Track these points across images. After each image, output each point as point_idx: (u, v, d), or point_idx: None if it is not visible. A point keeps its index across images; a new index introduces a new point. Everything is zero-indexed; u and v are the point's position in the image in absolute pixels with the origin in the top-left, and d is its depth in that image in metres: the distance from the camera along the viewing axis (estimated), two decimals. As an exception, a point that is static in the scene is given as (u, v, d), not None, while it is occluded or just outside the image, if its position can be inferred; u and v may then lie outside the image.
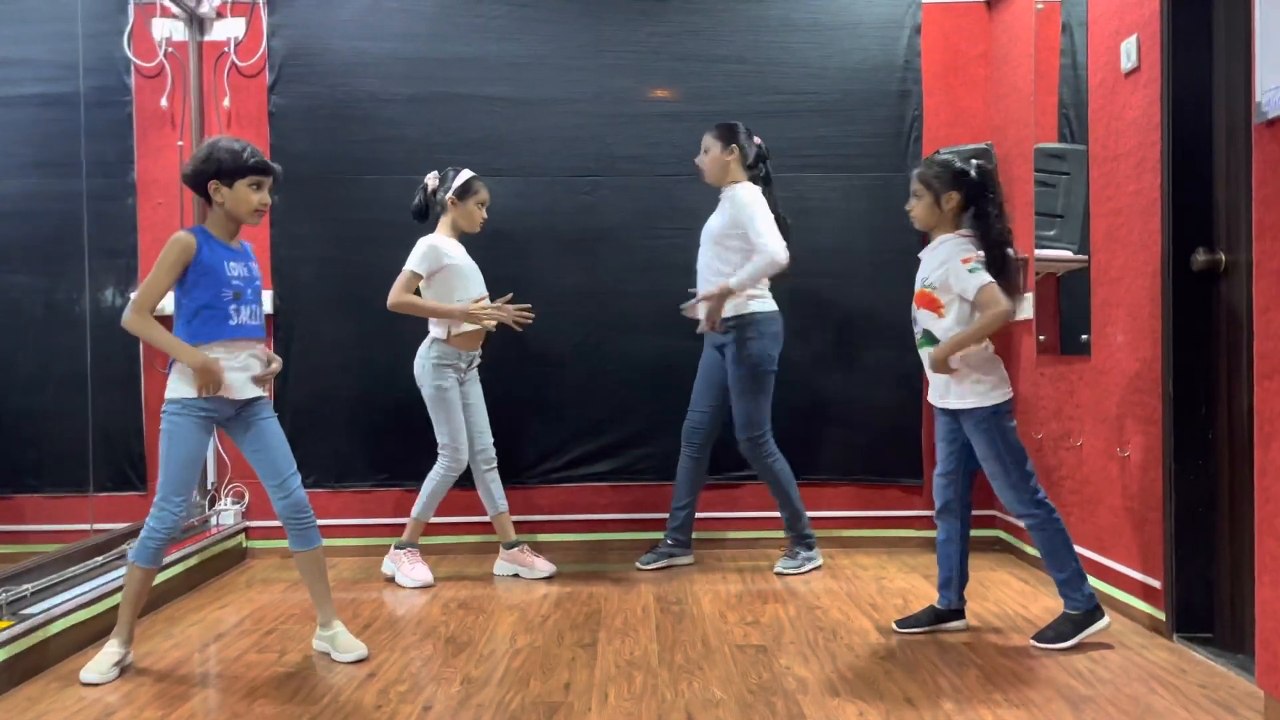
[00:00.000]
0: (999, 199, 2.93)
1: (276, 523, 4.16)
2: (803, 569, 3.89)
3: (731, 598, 3.57)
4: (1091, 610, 2.92)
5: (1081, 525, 3.54)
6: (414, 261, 3.76)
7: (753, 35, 4.37)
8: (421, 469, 3.93)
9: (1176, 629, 2.95)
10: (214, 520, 4.20)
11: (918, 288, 2.99)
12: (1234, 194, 2.81)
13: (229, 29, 4.33)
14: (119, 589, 3.22)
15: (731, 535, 4.37)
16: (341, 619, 3.04)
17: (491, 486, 3.93)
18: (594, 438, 4.38)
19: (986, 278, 2.83)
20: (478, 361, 3.95)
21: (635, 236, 4.36)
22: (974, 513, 3.13)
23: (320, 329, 4.28)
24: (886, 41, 4.38)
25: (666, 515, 4.07)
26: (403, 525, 3.97)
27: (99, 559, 3.35)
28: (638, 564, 4.00)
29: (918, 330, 3.01)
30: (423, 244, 3.79)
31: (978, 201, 2.92)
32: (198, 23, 4.30)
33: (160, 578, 3.50)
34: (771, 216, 3.75)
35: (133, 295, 2.89)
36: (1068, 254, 3.68)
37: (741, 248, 3.75)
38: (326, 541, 3.09)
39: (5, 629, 2.74)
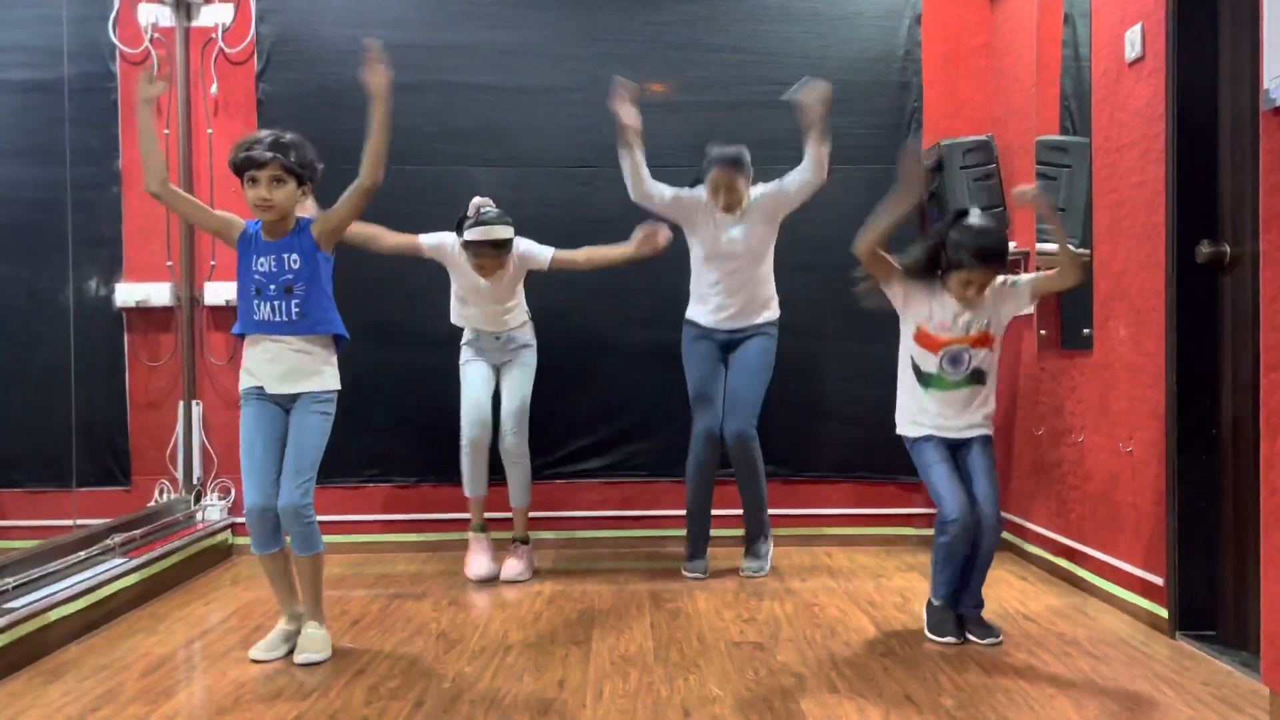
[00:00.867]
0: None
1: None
2: (768, 564, 3.88)
3: (727, 595, 3.56)
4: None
5: (1083, 522, 3.54)
6: (429, 236, 3.81)
7: (751, 24, 4.37)
8: (412, 464, 3.92)
9: (1179, 626, 2.95)
10: (200, 516, 4.17)
11: (965, 333, 2.95)
12: (1240, 184, 2.81)
13: (216, 14, 4.31)
14: (102, 584, 3.23)
15: (725, 533, 4.36)
16: (329, 615, 3.03)
17: (510, 479, 3.92)
18: (588, 433, 4.37)
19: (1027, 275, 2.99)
20: (517, 344, 3.91)
21: (631, 228, 4.32)
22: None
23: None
24: (886, 31, 4.38)
25: (661, 513, 4.06)
26: (393, 521, 3.96)
27: (81, 554, 3.32)
28: (687, 573, 3.87)
29: (960, 372, 2.98)
30: (447, 235, 3.81)
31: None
32: (185, 8, 4.28)
33: (144, 573, 3.50)
34: None
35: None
36: (1070, 247, 3.67)
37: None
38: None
39: (-14, 624, 2.72)
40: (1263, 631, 2.35)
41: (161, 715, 2.46)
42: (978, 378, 2.99)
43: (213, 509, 4.21)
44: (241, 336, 2.94)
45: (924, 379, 3.02)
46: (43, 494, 4.11)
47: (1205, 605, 2.93)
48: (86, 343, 4.08)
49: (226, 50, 4.32)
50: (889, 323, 3.11)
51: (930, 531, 4.23)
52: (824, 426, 4.38)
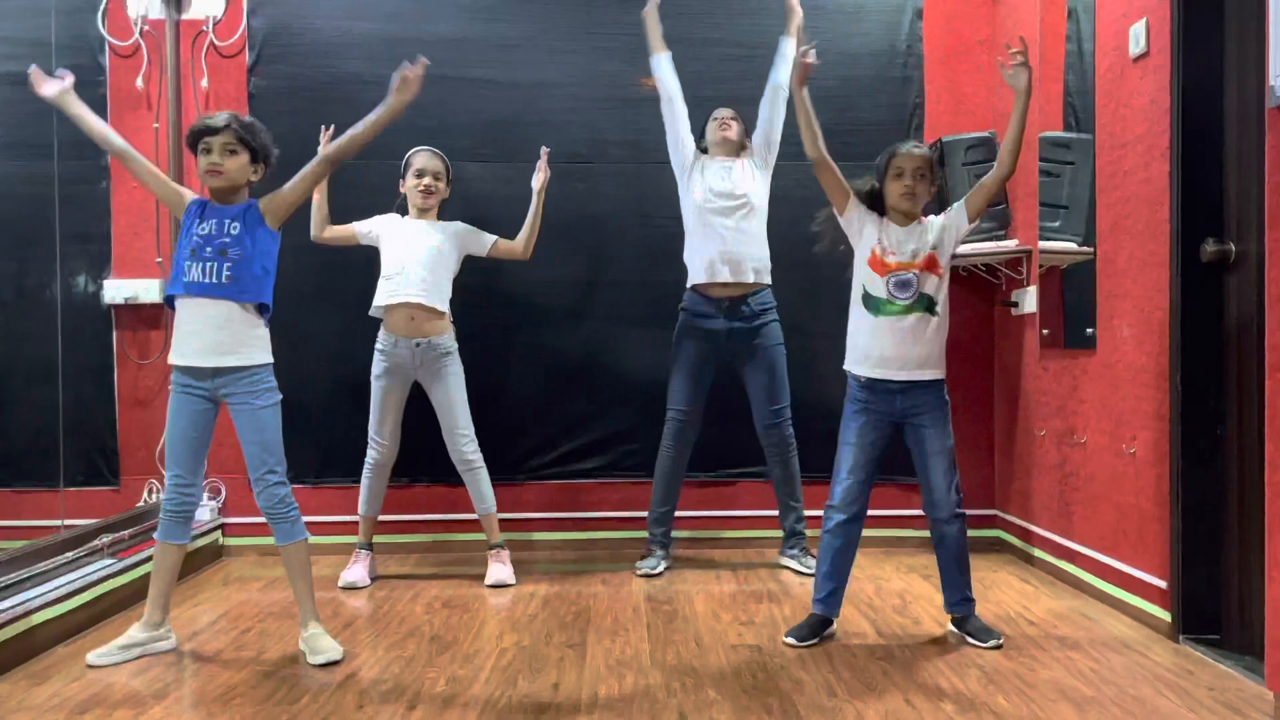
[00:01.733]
0: None
1: (253, 519, 4.20)
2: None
3: (725, 597, 3.56)
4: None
5: (1086, 524, 3.54)
6: (363, 222, 3.92)
7: (750, 19, 4.36)
8: (405, 464, 3.91)
9: (1183, 630, 2.95)
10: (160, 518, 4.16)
11: (913, 259, 2.97)
12: (1245, 182, 2.81)
13: (207, 7, 4.30)
14: (90, 585, 3.23)
15: (725, 534, 4.37)
16: (322, 616, 3.02)
17: (469, 487, 3.88)
18: (583, 432, 4.37)
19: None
20: (440, 352, 3.78)
21: (628, 225, 4.35)
22: (976, 513, 3.12)
23: (299, 319, 4.21)
24: (887, 26, 4.38)
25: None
26: (384, 522, 3.96)
27: (69, 555, 3.32)
28: (639, 571, 3.91)
29: (907, 297, 2.97)
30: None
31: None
32: (175, 0, 4.27)
33: (133, 574, 3.49)
34: None
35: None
36: (1072, 245, 3.68)
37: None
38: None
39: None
40: (1268, 635, 2.36)
41: (150, 718, 2.45)
42: (927, 305, 2.97)
43: (202, 509, 4.19)
44: (171, 304, 2.94)
45: (873, 304, 3.00)
46: (30, 494, 4.10)
47: (1209, 609, 2.93)
48: (75, 340, 4.07)
49: (218, 43, 4.31)
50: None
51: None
52: (820, 426, 4.36)
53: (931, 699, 2.53)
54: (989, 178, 2.97)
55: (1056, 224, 3.76)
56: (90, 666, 2.82)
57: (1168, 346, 2.99)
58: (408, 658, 2.90)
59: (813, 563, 3.68)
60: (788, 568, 3.95)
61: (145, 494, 4.16)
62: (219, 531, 4.23)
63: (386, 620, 3.30)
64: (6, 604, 2.88)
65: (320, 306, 4.26)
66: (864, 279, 3.03)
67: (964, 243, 4.03)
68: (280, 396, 2.99)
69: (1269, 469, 2.32)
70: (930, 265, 2.97)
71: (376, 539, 3.95)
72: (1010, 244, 4.03)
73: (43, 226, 4.01)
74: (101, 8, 4.25)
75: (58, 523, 3.77)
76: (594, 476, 4.38)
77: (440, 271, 3.80)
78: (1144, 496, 3.16)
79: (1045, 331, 3.86)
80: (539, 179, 3.94)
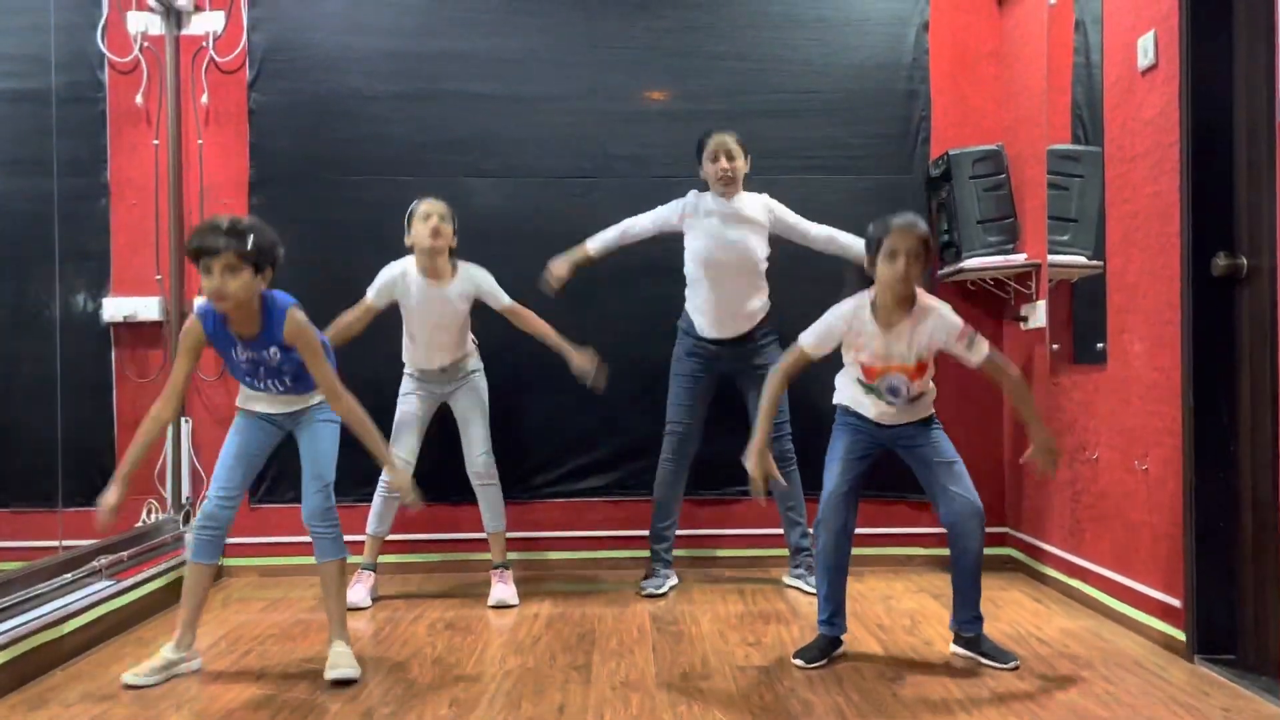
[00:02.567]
0: None
1: (253, 539, 4.21)
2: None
3: (732, 617, 3.56)
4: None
5: (1098, 542, 3.53)
6: (371, 288, 3.81)
7: (754, 31, 4.38)
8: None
9: (1198, 650, 2.94)
10: (189, 537, 4.16)
11: (901, 361, 2.94)
12: (1256, 194, 2.81)
13: (207, 23, 4.33)
14: (88, 607, 3.23)
15: (730, 552, 4.36)
16: (322, 639, 3.02)
17: (482, 505, 3.90)
18: (588, 451, 4.37)
19: (986, 344, 2.95)
20: (464, 371, 3.91)
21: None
22: (987, 530, 3.11)
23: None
24: (893, 38, 4.40)
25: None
26: (387, 541, 3.96)
27: (67, 576, 3.31)
28: (643, 591, 3.90)
29: (898, 400, 3.00)
30: (384, 272, 3.81)
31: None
32: (175, 16, 4.30)
33: (132, 596, 3.50)
34: None
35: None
36: (1082, 259, 3.69)
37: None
38: (307, 559, 3.09)
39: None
40: (1284, 655, 2.35)
41: (149, 743, 2.45)
42: (917, 397, 3.03)
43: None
44: None
45: (866, 388, 3.04)
46: (28, 514, 4.10)
47: (1224, 628, 2.92)
48: (73, 358, 4.07)
49: (217, 59, 4.33)
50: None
51: (940, 551, 4.25)
52: (823, 443, 4.36)
53: (942, 721, 2.53)
54: (1006, 378, 2.97)
55: (1066, 237, 3.77)
56: (127, 686, 2.84)
57: (1179, 361, 2.99)
58: (410, 680, 2.90)
59: None
60: (794, 587, 3.94)
61: (144, 514, 4.16)
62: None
63: (389, 642, 3.30)
64: (3, 627, 2.88)
65: (320, 323, 4.23)
66: (855, 373, 3.05)
67: (972, 257, 4.08)
68: (339, 424, 3.06)
69: (1283, 486, 2.32)
70: (920, 370, 2.98)
71: (379, 558, 3.95)
72: (1019, 258, 4.03)
73: (42, 244, 4.01)
74: (101, 24, 4.28)
75: (55, 543, 3.76)
76: (599, 495, 4.37)
77: (461, 328, 3.88)
78: (1157, 513, 3.15)
79: (1055, 346, 3.86)
80: (575, 358, 3.82)
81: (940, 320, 2.92)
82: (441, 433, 3.96)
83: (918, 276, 2.89)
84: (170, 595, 3.76)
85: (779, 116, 4.35)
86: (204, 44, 4.33)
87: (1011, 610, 3.59)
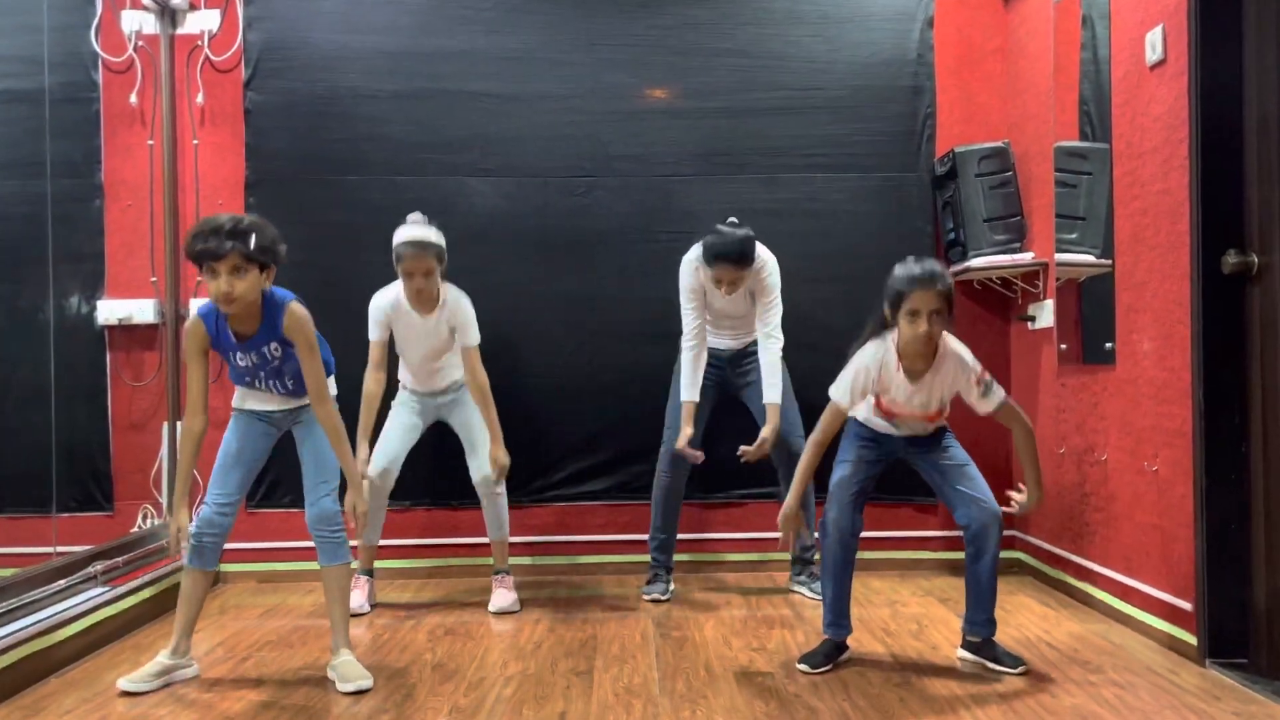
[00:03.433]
0: None
1: (250, 545, 4.21)
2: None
3: (735, 623, 3.55)
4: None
5: (1107, 544, 3.53)
6: (370, 329, 3.78)
7: (756, 28, 4.38)
8: (406, 489, 3.92)
9: (1209, 654, 2.93)
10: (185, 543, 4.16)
11: (921, 409, 2.98)
12: (1267, 191, 2.81)
13: (202, 21, 4.33)
14: (83, 614, 3.23)
15: (734, 557, 4.36)
16: (320, 646, 3.02)
17: (486, 511, 3.88)
18: (588, 453, 4.36)
19: (1001, 391, 2.97)
20: (457, 386, 3.87)
21: (632, 240, 4.36)
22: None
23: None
24: (897, 35, 4.39)
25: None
26: (385, 547, 3.96)
27: (62, 583, 3.31)
28: (647, 596, 3.90)
29: (913, 429, 3.06)
30: (373, 307, 3.77)
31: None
32: (169, 15, 4.30)
33: (128, 603, 3.50)
34: None
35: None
36: (1090, 258, 3.68)
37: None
38: (305, 565, 3.08)
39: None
40: (1297, 659, 2.34)
41: (145, 752, 2.45)
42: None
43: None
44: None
45: (881, 416, 3.09)
46: (21, 519, 4.10)
47: (1236, 631, 2.91)
48: (67, 362, 4.07)
49: (213, 58, 4.34)
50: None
51: (947, 555, 4.25)
52: (833, 444, 4.35)
53: (950, 727, 2.52)
54: (1019, 426, 2.98)
55: (1074, 236, 3.76)
56: (123, 693, 2.83)
57: (1189, 361, 2.98)
58: (410, 686, 2.89)
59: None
60: (798, 593, 3.94)
61: (140, 520, 4.16)
62: (215, 558, 4.22)
63: (388, 648, 3.30)
64: (-2, 633, 2.89)
65: (318, 325, 4.25)
66: (872, 403, 3.06)
67: (978, 256, 4.07)
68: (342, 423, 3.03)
69: (1296, 487, 2.32)
70: (938, 414, 3.03)
71: (378, 564, 3.95)
72: (1026, 257, 4.03)
73: (36, 246, 4.02)
74: (95, 23, 4.28)
75: (50, 549, 3.76)
76: (599, 499, 4.37)
77: (451, 353, 3.85)
78: (1167, 516, 3.15)
79: (1063, 346, 3.85)
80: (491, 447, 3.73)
81: (959, 365, 2.94)
82: (441, 437, 3.96)
83: (939, 332, 2.89)
84: (167, 601, 3.76)
85: (782, 114, 4.35)
86: (199, 43, 4.34)
87: (1020, 614, 3.59)
